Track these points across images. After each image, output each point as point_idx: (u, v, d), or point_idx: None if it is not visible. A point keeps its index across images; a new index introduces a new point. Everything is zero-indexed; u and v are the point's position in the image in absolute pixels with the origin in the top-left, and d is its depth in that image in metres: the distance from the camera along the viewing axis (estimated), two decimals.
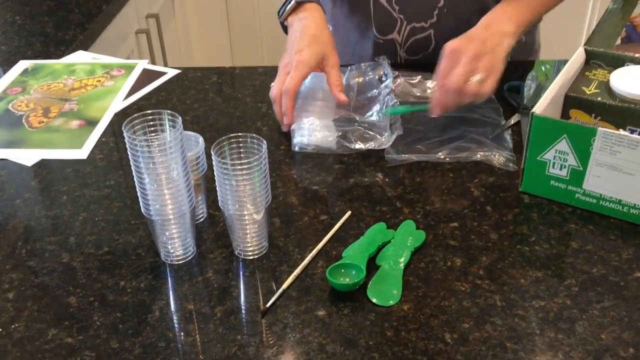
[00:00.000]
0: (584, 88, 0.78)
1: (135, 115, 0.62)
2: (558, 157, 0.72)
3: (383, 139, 0.84)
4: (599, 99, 0.76)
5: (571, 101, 0.78)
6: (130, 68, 1.08)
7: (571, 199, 0.74)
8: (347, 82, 0.96)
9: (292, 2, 0.93)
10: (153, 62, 1.73)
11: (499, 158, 0.81)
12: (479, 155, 0.82)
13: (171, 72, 1.07)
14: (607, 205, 0.72)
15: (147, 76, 1.07)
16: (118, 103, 0.99)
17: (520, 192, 0.77)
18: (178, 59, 2.07)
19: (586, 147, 0.70)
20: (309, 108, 0.88)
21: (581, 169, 0.71)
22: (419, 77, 0.98)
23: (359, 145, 0.84)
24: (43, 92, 1.02)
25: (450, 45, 0.83)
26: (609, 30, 0.88)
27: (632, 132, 0.74)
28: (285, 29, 0.97)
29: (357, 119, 0.88)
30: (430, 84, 0.95)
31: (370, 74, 0.97)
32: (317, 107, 0.89)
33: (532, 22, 0.91)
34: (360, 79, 0.97)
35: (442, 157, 0.82)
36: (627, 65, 0.79)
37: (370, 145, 0.84)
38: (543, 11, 0.93)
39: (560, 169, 0.73)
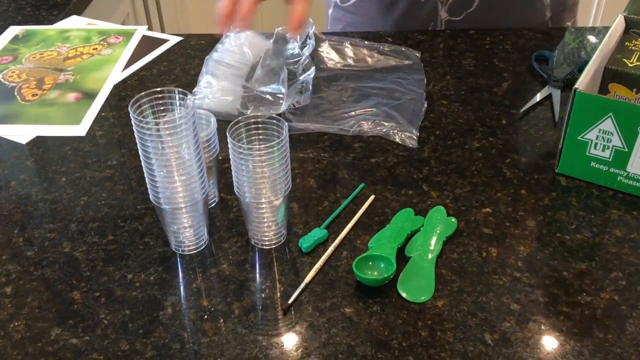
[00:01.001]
0: (625, 60, 0.72)
1: (142, 93, 0.56)
2: (601, 137, 0.67)
3: (281, 106, 0.79)
4: None
5: (611, 74, 0.72)
6: (128, 35, 1.01)
7: (613, 181, 0.69)
8: (271, 47, 0.90)
9: None
10: (150, 27, 1.65)
11: (400, 133, 0.77)
12: (380, 130, 0.78)
13: (173, 40, 1.00)
14: None
15: (147, 44, 0.99)
16: (117, 73, 0.92)
17: (556, 173, 0.71)
18: (174, 25, 1.99)
19: (634, 127, 0.64)
20: (217, 72, 0.83)
21: (626, 150, 0.66)
22: (346, 42, 0.94)
23: (252, 112, 0.77)
24: (36, 61, 0.95)
25: None
26: None
27: None
28: None
29: (263, 89, 0.83)
30: (354, 51, 0.93)
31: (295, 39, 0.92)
32: (227, 72, 0.84)
33: None
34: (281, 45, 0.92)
35: (345, 128, 0.78)
36: None
37: (265, 110, 0.79)
38: None
39: (603, 150, 0.67)
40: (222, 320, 0.56)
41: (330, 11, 1.10)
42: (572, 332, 0.54)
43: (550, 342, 0.54)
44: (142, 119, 0.55)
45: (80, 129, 0.81)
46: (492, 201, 0.68)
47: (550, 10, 1.01)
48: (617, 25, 0.77)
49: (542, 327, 0.55)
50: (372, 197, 0.69)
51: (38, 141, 0.79)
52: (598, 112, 0.66)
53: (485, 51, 0.94)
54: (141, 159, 0.57)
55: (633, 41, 0.76)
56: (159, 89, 0.56)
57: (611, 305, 0.57)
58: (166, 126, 0.55)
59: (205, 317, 0.57)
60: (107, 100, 0.86)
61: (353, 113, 0.82)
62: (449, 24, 0.99)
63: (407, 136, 0.78)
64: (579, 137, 0.68)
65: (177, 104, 0.58)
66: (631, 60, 0.73)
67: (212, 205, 0.68)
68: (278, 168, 0.58)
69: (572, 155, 0.70)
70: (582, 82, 0.67)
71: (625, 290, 0.58)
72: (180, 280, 0.61)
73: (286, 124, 0.58)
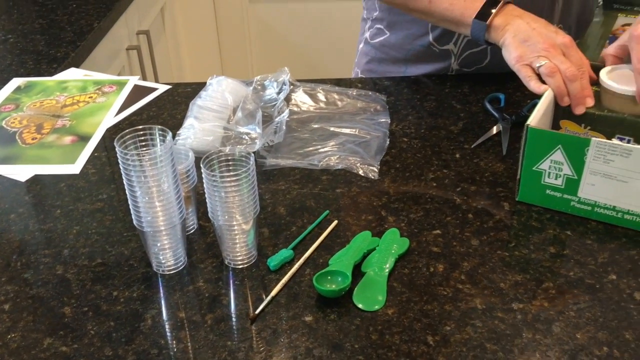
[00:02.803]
0: None
1: (127, 130, 0.65)
2: (553, 167, 0.75)
3: (256, 144, 0.89)
4: (588, 109, 0.78)
5: (561, 112, 0.80)
6: (121, 84, 1.11)
7: (567, 207, 0.77)
8: (252, 93, 1.01)
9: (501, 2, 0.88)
10: (144, 78, 1.76)
11: (362, 166, 0.86)
12: (345, 163, 0.87)
13: (162, 88, 1.10)
14: (601, 212, 0.75)
15: (139, 92, 1.09)
16: (110, 119, 1.01)
17: (501, 199, 0.79)
18: (169, 75, 2.10)
19: (580, 157, 0.72)
20: (200, 115, 0.93)
21: (576, 177, 0.74)
22: (318, 88, 1.04)
23: (229, 149, 0.85)
24: (36, 108, 1.04)
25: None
26: (593, 43, 0.91)
27: (620, 139, 0.77)
28: (480, 34, 0.90)
29: (240, 129, 0.92)
30: (326, 96, 1.03)
31: (273, 84, 1.03)
32: (210, 115, 0.94)
33: None
34: (260, 91, 1.03)
35: (314, 163, 0.87)
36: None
37: (240, 148, 0.88)
38: None
39: (556, 178, 0.76)
40: (195, 329, 0.63)
41: (361, 45, 1.21)
42: (504, 334, 0.61)
43: (484, 343, 0.61)
44: (127, 153, 0.64)
45: (74, 168, 0.90)
46: (442, 224, 0.76)
47: None
48: None
49: (478, 330, 0.62)
50: (335, 222, 0.77)
51: (36, 179, 0.88)
52: (548, 144, 0.74)
53: (445, 94, 1.04)
54: (126, 188, 0.65)
55: None
56: (141, 127, 0.65)
57: (541, 310, 0.64)
58: (148, 159, 0.64)
59: (181, 326, 0.64)
60: (100, 142, 0.95)
61: (322, 150, 0.91)
62: (458, 72, 1.09)
63: (369, 169, 0.86)
64: (534, 168, 0.76)
65: (158, 140, 0.67)
66: None
67: (192, 231, 0.76)
68: (246, 195, 0.67)
69: (529, 184, 0.78)
70: (534, 119, 0.76)
71: (555, 298, 0.65)
72: (160, 296, 0.68)
73: (253, 157, 0.66)
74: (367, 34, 1.17)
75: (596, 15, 0.96)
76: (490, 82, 1.06)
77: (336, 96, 1.04)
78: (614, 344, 0.60)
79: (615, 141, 0.71)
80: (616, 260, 0.70)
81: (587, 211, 0.75)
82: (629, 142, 0.77)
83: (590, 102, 0.79)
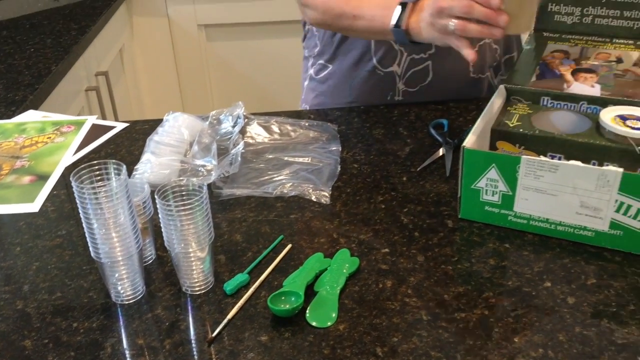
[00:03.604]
0: (507, 122, 0.86)
1: (82, 165, 0.68)
2: (489, 185, 0.80)
3: (212, 176, 0.93)
4: (521, 130, 0.84)
5: (497, 134, 0.86)
6: (79, 124, 1.13)
7: (504, 221, 0.82)
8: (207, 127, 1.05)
9: (409, 4, 0.94)
10: (104, 117, 1.78)
11: (315, 192, 0.90)
12: (298, 190, 0.91)
13: (120, 126, 1.13)
14: (536, 225, 0.80)
15: (97, 131, 1.12)
16: (68, 157, 1.03)
17: (445, 217, 0.84)
18: (129, 113, 2.13)
19: (513, 174, 0.78)
20: (156, 150, 0.97)
21: (510, 193, 0.79)
22: (272, 120, 1.09)
23: (185, 181, 0.89)
24: None
25: None
26: (524, 69, 0.97)
27: (552, 157, 0.82)
28: (403, 39, 0.97)
29: (196, 162, 0.96)
30: (280, 127, 1.08)
31: (228, 118, 1.08)
32: (166, 150, 0.98)
33: None
34: (216, 125, 1.07)
35: (269, 191, 0.91)
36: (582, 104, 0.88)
37: (197, 180, 0.91)
38: None
39: (493, 195, 0.81)
40: (155, 354, 0.66)
41: (306, 83, 1.26)
42: (447, 341, 0.65)
43: (429, 351, 0.64)
44: (82, 187, 0.66)
45: (33, 207, 0.92)
46: (390, 243, 0.80)
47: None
48: (499, 94, 0.93)
49: (424, 339, 0.66)
50: (290, 245, 0.80)
51: None
52: (483, 164, 0.80)
53: (393, 122, 1.09)
54: (82, 221, 0.68)
55: (513, 106, 0.90)
56: (96, 162, 0.68)
57: (482, 318, 0.68)
58: (104, 192, 0.67)
59: (140, 353, 0.66)
60: (58, 180, 0.98)
61: (276, 178, 0.95)
62: (405, 94, 1.15)
63: (321, 195, 0.90)
64: (472, 186, 0.81)
65: (113, 174, 0.70)
66: (512, 122, 0.87)
67: (150, 261, 0.79)
68: (201, 223, 0.70)
69: (469, 202, 0.83)
70: (469, 141, 0.81)
71: (494, 307, 0.69)
72: (120, 325, 0.70)
73: (205, 187, 0.70)
74: (311, 71, 1.23)
75: (527, 42, 1.03)
76: (434, 109, 1.12)
77: (289, 127, 1.08)
78: (548, 345, 0.64)
79: (543, 158, 0.77)
80: (551, 268, 0.74)
81: (523, 224, 0.80)
82: (559, 159, 0.83)
83: (503, 20, 0.85)
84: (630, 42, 0.98)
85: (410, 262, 0.76)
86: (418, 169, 0.95)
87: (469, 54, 0.88)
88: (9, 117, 1.19)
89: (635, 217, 0.73)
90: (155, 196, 0.69)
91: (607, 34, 1.00)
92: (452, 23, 0.87)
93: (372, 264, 0.77)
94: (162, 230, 0.71)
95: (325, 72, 1.19)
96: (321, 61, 1.19)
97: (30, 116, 1.20)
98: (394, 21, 0.95)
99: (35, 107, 1.30)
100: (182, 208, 0.68)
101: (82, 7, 1.94)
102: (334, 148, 1.02)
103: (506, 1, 0.85)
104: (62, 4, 2.00)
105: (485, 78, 1.17)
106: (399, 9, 0.95)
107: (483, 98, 1.12)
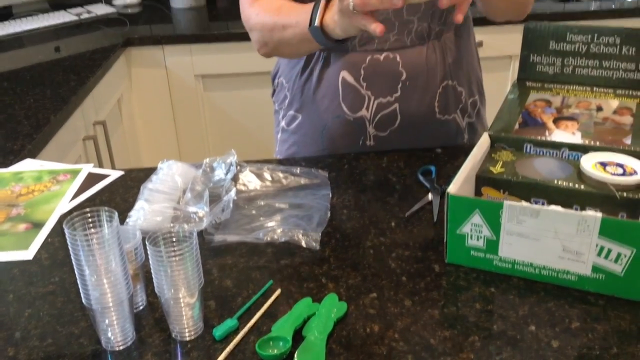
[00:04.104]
0: (491, 168, 0.89)
1: (75, 213, 0.70)
2: (474, 230, 0.82)
3: (203, 222, 0.94)
4: (505, 176, 0.86)
5: (481, 180, 0.88)
6: (75, 172, 1.16)
7: (490, 266, 0.83)
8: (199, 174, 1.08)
9: (322, 1, 0.96)
10: (101, 165, 1.81)
11: (305, 238, 0.92)
12: (288, 236, 0.92)
13: (115, 174, 1.15)
14: (521, 269, 0.81)
15: (92, 179, 1.14)
16: (64, 205, 1.05)
17: (432, 261, 0.86)
18: (126, 161, 2.16)
19: (496, 219, 0.80)
20: (150, 198, 0.99)
21: (495, 238, 0.81)
22: (265, 168, 1.11)
23: (176, 228, 0.89)
24: None
25: None
26: (508, 117, 1.01)
27: (536, 202, 0.85)
28: (320, 37, 0.98)
29: (189, 209, 0.98)
30: (272, 174, 1.10)
31: (221, 166, 1.10)
32: (160, 197, 1.00)
33: None
34: (209, 172, 1.10)
35: (260, 237, 0.92)
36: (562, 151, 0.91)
37: (189, 226, 0.94)
38: None
39: (477, 240, 0.82)
40: None
41: (279, 135, 1.29)
42: None
43: None
44: (75, 234, 0.68)
45: (28, 254, 0.93)
46: (378, 287, 0.81)
47: (467, 133, 1.21)
48: (483, 141, 0.96)
49: None
50: (279, 291, 0.81)
51: None
52: (467, 209, 0.82)
53: (382, 169, 1.11)
54: (74, 267, 0.69)
55: (497, 153, 0.93)
56: (88, 209, 0.70)
57: None
58: (96, 239, 0.68)
59: None
60: (53, 228, 0.99)
61: (267, 224, 0.96)
62: (376, 138, 1.17)
63: (311, 240, 0.92)
64: (457, 232, 0.83)
65: (105, 222, 0.71)
66: (496, 168, 0.90)
67: (141, 307, 0.80)
68: (190, 269, 0.71)
69: (455, 247, 0.84)
70: (454, 187, 0.83)
71: (480, 350, 0.70)
72: None
73: (195, 233, 0.71)
74: (282, 123, 1.26)
75: (510, 91, 1.07)
76: (423, 156, 1.14)
77: (281, 174, 1.10)
78: None
79: (524, 203, 0.79)
80: (535, 312, 0.76)
81: (508, 269, 0.82)
82: (543, 204, 0.85)
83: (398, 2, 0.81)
84: (610, 90, 1.02)
85: (397, 307, 0.77)
86: (406, 215, 0.97)
87: (375, 27, 0.86)
88: (7, 165, 1.22)
89: (616, 261, 0.75)
90: (146, 242, 0.70)
91: (587, 83, 1.04)
92: (352, 1, 0.86)
93: (360, 309, 0.78)
94: (153, 276, 0.72)
95: (296, 122, 1.22)
96: (291, 111, 1.22)
97: (27, 165, 1.22)
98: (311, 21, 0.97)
99: (33, 156, 1.33)
100: (172, 254, 0.70)
101: (82, 59, 1.99)
102: (324, 194, 1.04)
103: None
104: (63, 55, 2.06)
105: (452, 120, 1.19)
106: (315, 8, 0.97)
107: (469, 145, 1.15)
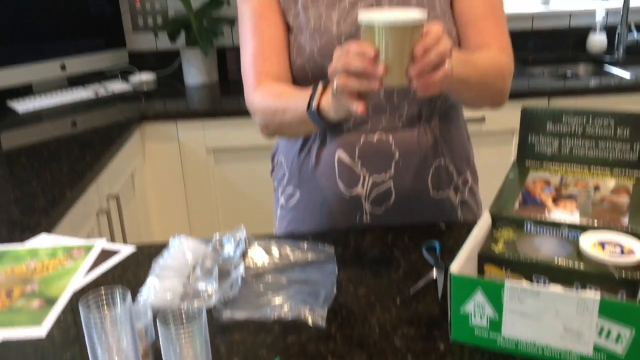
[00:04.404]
0: (493, 246, 0.92)
1: (90, 291, 0.72)
2: (477, 308, 0.83)
3: (212, 299, 0.97)
4: (506, 255, 0.89)
5: (484, 258, 0.91)
6: (88, 248, 1.19)
7: (494, 345, 0.84)
8: (209, 250, 1.10)
9: (319, 87, 1.02)
10: (113, 239, 1.84)
11: (311, 314, 0.93)
12: (295, 313, 0.94)
13: (126, 250, 1.18)
14: (524, 349, 0.82)
15: (105, 255, 1.17)
16: (77, 281, 1.08)
17: (439, 339, 0.87)
18: (137, 235, 2.19)
19: (499, 298, 0.81)
20: (161, 274, 1.01)
21: (497, 318, 0.82)
22: (272, 242, 1.14)
23: (186, 306, 0.88)
24: (7, 275, 1.11)
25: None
26: (508, 196, 1.04)
27: (537, 280, 0.86)
28: (317, 120, 1.03)
29: (198, 286, 1.00)
30: (279, 249, 1.12)
31: (230, 241, 1.13)
32: (170, 274, 1.02)
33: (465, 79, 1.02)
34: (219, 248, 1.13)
35: (267, 315, 0.94)
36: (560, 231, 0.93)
37: (195, 304, 0.96)
38: (476, 80, 1.06)
39: (481, 319, 0.84)
40: None
41: (278, 212, 1.33)
42: None
43: None
44: (89, 313, 0.71)
45: (40, 331, 0.95)
46: None
47: (461, 210, 1.25)
48: (485, 219, 0.98)
49: None
50: None
51: (4, 343, 0.93)
52: (470, 288, 0.84)
53: (387, 245, 1.14)
54: (87, 345, 0.71)
55: (499, 230, 0.96)
56: (103, 287, 0.73)
57: None
58: (109, 319, 0.71)
59: None
60: (67, 304, 1.02)
61: (274, 301, 0.98)
62: (372, 216, 1.21)
63: (317, 317, 0.93)
64: (461, 311, 0.85)
65: (119, 300, 0.74)
66: (497, 246, 0.92)
67: None
68: (199, 348, 0.73)
69: (459, 325, 0.86)
70: (455, 266, 0.86)
71: None
72: None
73: (204, 311, 0.74)
74: (281, 200, 1.31)
75: (510, 170, 1.10)
76: (427, 232, 1.17)
77: (288, 249, 1.13)
78: None
79: (525, 284, 0.81)
80: None
81: (511, 349, 0.83)
82: (544, 281, 0.87)
83: (379, 72, 0.83)
84: (607, 170, 1.05)
85: None
86: (411, 292, 0.98)
87: (356, 107, 0.88)
88: (23, 240, 1.25)
89: (616, 341, 0.76)
90: (157, 320, 0.73)
91: (584, 162, 1.07)
92: (335, 84, 0.89)
93: None
94: (162, 354, 0.74)
95: (295, 199, 1.27)
96: (290, 188, 1.27)
97: (42, 240, 1.26)
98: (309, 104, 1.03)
99: (49, 231, 1.36)
100: (182, 333, 0.72)
101: (98, 134, 2.07)
102: (330, 269, 1.06)
103: (382, 52, 0.85)
104: (80, 130, 2.14)
105: (446, 198, 1.23)
106: (313, 93, 1.03)
107: (472, 222, 1.18)
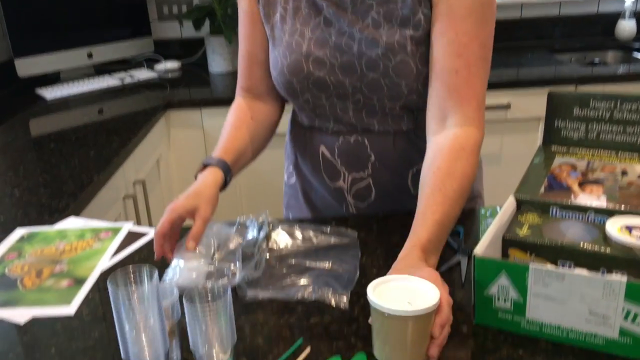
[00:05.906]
0: (517, 230, 0.91)
1: (118, 269, 0.74)
2: (501, 291, 0.83)
3: (235, 279, 0.98)
4: (531, 239, 0.88)
5: (508, 242, 0.90)
6: (116, 231, 1.21)
7: (518, 328, 0.84)
8: (232, 232, 1.13)
9: (201, 164, 1.13)
10: (139, 223, 1.87)
11: (335, 296, 0.94)
12: (318, 295, 0.95)
13: (152, 233, 1.20)
14: (548, 332, 0.82)
15: (132, 237, 1.19)
16: (105, 262, 1.10)
17: (470, 324, 0.87)
18: None
19: (523, 282, 0.81)
20: (185, 255, 1.02)
21: (522, 300, 0.82)
22: (296, 226, 1.15)
23: (211, 285, 0.91)
24: (37, 256, 1.14)
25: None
26: (534, 181, 1.03)
27: (563, 264, 0.86)
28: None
29: (222, 266, 1.01)
30: (303, 233, 1.14)
31: (254, 224, 1.15)
32: (194, 255, 1.02)
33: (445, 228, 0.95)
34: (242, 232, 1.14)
35: (290, 295, 0.95)
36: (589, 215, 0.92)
37: (221, 282, 0.97)
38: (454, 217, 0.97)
39: (505, 302, 0.84)
40: None
41: (284, 189, 1.40)
42: None
43: None
44: (117, 290, 0.72)
45: (70, 309, 0.97)
46: None
47: None
48: (509, 204, 0.98)
49: None
50: (308, 348, 0.84)
51: (34, 321, 0.95)
52: (494, 271, 0.83)
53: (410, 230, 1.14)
54: (116, 323, 0.73)
55: (524, 214, 0.95)
56: (131, 266, 0.74)
57: None
58: (136, 297, 0.72)
59: None
60: (95, 284, 1.04)
61: (297, 282, 0.99)
62: (357, 208, 1.23)
63: (340, 299, 0.94)
64: (484, 293, 0.85)
65: (146, 278, 0.75)
66: (522, 230, 0.92)
67: None
68: (224, 326, 0.74)
69: (483, 309, 0.86)
70: (480, 249, 0.86)
71: None
72: None
73: (229, 290, 0.75)
74: (285, 177, 1.38)
75: (536, 155, 1.09)
76: None
77: (312, 233, 1.14)
78: None
79: (550, 267, 0.80)
80: None
81: (535, 331, 0.83)
82: (570, 266, 0.86)
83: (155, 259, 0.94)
84: (635, 155, 1.04)
85: None
86: (442, 269, 0.98)
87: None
88: (52, 223, 1.28)
89: None
90: (183, 299, 0.74)
91: (612, 147, 1.06)
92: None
93: None
94: (188, 332, 0.75)
95: (293, 179, 1.34)
96: (290, 167, 1.34)
97: (71, 223, 1.28)
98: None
99: (77, 214, 1.39)
100: (208, 311, 0.73)
101: (124, 121, 2.09)
102: (353, 253, 1.06)
103: (407, 338, 0.76)
104: (106, 117, 2.17)
105: None
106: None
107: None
